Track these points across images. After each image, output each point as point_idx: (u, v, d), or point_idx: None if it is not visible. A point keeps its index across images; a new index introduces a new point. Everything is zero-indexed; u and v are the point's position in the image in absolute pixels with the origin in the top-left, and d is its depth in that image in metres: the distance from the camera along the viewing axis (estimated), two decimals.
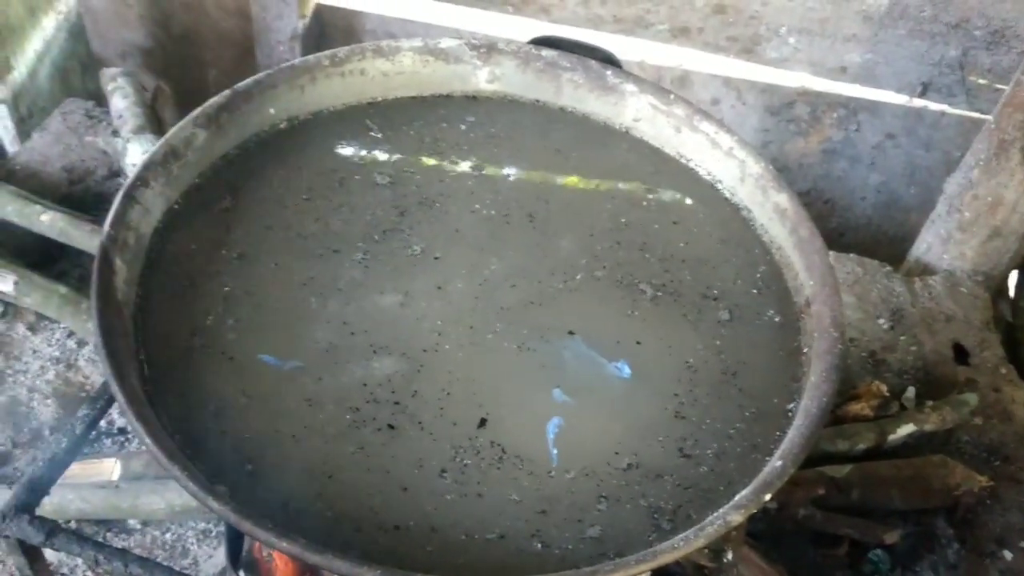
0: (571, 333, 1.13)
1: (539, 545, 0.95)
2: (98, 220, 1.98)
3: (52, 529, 1.15)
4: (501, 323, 1.14)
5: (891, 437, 1.74)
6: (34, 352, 1.89)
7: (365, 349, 1.09)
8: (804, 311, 1.17)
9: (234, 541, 1.07)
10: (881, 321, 2.08)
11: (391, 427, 1.03)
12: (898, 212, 2.60)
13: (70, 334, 1.91)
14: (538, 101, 1.43)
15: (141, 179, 1.17)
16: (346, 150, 1.33)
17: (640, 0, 2.40)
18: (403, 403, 1.05)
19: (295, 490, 0.96)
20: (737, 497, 0.96)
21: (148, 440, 0.93)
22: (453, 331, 1.12)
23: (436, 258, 1.21)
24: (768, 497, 0.96)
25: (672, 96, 1.37)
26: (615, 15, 2.44)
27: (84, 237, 1.91)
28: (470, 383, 1.08)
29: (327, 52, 1.37)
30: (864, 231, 2.65)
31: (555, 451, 1.02)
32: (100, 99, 2.47)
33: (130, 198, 1.15)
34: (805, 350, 1.14)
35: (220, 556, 1.58)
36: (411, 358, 1.09)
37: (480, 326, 1.14)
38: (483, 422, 1.04)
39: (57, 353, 1.88)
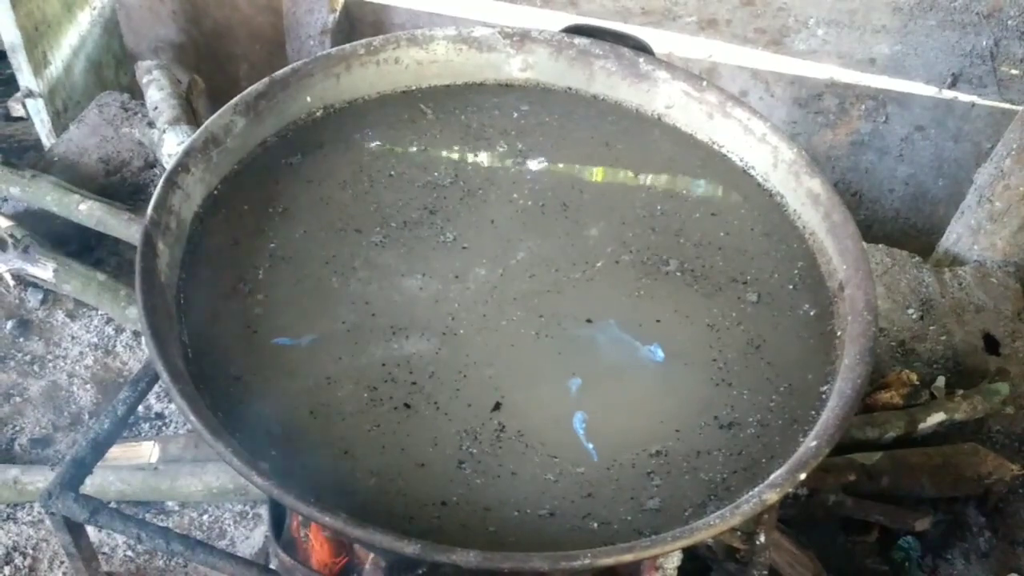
0: (589, 321, 1.14)
1: (595, 524, 0.97)
2: (135, 209, 2.01)
3: (96, 507, 1.18)
4: (520, 311, 1.15)
5: (921, 425, 1.74)
6: (73, 338, 1.92)
7: (385, 330, 1.12)
8: (837, 295, 1.18)
9: (278, 517, 1.10)
10: (911, 311, 2.07)
11: (407, 406, 1.05)
12: (926, 204, 2.59)
13: (108, 320, 1.94)
14: (570, 89, 1.45)
15: (182, 165, 1.20)
16: (388, 137, 1.35)
17: None
18: (420, 383, 1.07)
19: (317, 465, 0.99)
20: (772, 476, 0.97)
21: (192, 418, 0.95)
22: (472, 317, 1.14)
23: (464, 248, 1.22)
24: (803, 476, 0.96)
25: (704, 83, 1.37)
26: (643, 7, 2.45)
27: (121, 225, 1.94)
28: (487, 367, 1.09)
29: (362, 41, 1.38)
30: (892, 223, 2.64)
31: (591, 445, 1.02)
32: (134, 93, 2.51)
33: (172, 183, 1.18)
34: (839, 333, 1.15)
35: (257, 537, 1.60)
36: (430, 341, 1.11)
37: (498, 313, 1.15)
38: (498, 405, 1.05)
39: (95, 339, 1.92)
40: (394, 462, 1.00)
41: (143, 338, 1.86)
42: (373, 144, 1.34)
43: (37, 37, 2.38)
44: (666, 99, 1.40)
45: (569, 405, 1.06)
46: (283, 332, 1.10)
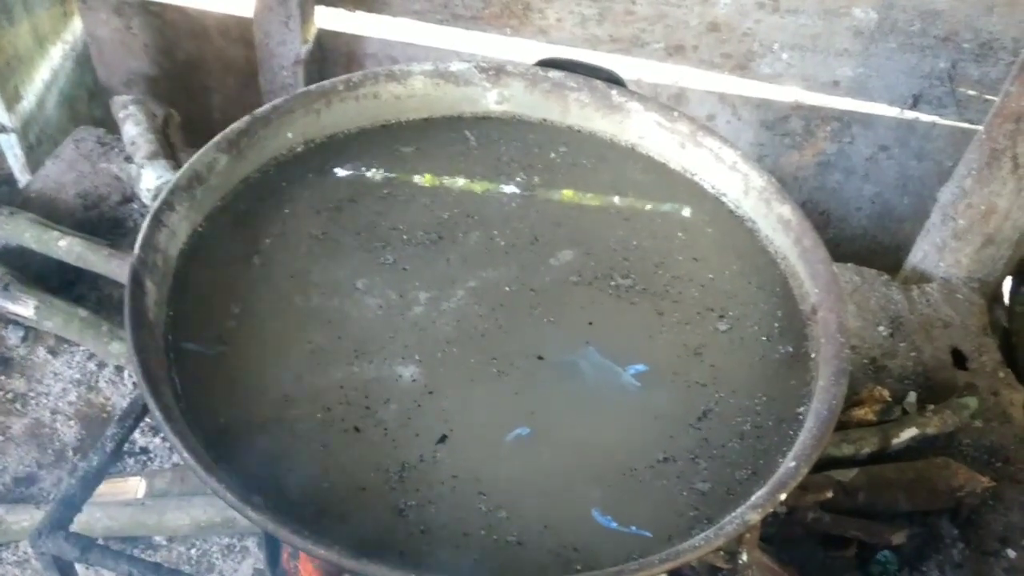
0: (540, 358, 1.17)
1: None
2: (115, 244, 2.02)
3: (87, 545, 1.18)
4: (480, 350, 1.17)
5: (895, 441, 1.78)
6: (55, 375, 1.92)
7: (348, 354, 1.14)
8: (810, 318, 1.22)
9: (272, 548, 1.11)
10: (881, 328, 2.12)
11: (357, 429, 1.07)
12: (892, 222, 2.64)
13: (90, 356, 1.94)
14: (545, 120, 1.48)
15: (168, 203, 1.22)
16: (370, 171, 1.38)
17: (636, 20, 2.45)
18: (373, 408, 1.09)
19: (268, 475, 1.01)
20: (753, 497, 1.00)
21: (186, 455, 0.97)
22: (432, 352, 1.16)
23: (416, 278, 1.25)
24: (783, 496, 1.00)
25: (676, 113, 1.41)
26: (611, 35, 2.49)
27: (102, 261, 1.94)
28: (441, 400, 1.11)
29: (342, 77, 1.41)
30: (859, 241, 2.69)
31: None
32: (108, 126, 2.51)
33: (158, 221, 1.19)
34: (812, 355, 1.18)
35: (245, 570, 1.61)
36: (392, 368, 1.13)
37: (462, 351, 1.17)
38: (443, 438, 1.08)
39: (78, 375, 1.92)
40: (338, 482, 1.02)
41: (133, 376, 1.87)
42: (358, 177, 1.37)
43: (9, 72, 2.39)
44: (639, 130, 1.44)
45: (507, 442, 1.08)
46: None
